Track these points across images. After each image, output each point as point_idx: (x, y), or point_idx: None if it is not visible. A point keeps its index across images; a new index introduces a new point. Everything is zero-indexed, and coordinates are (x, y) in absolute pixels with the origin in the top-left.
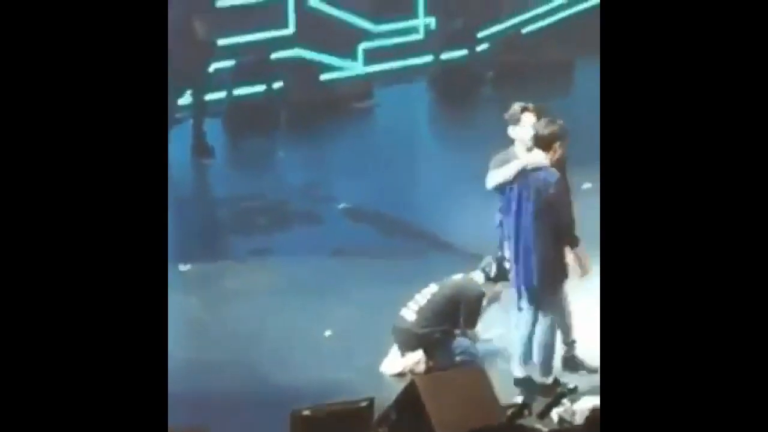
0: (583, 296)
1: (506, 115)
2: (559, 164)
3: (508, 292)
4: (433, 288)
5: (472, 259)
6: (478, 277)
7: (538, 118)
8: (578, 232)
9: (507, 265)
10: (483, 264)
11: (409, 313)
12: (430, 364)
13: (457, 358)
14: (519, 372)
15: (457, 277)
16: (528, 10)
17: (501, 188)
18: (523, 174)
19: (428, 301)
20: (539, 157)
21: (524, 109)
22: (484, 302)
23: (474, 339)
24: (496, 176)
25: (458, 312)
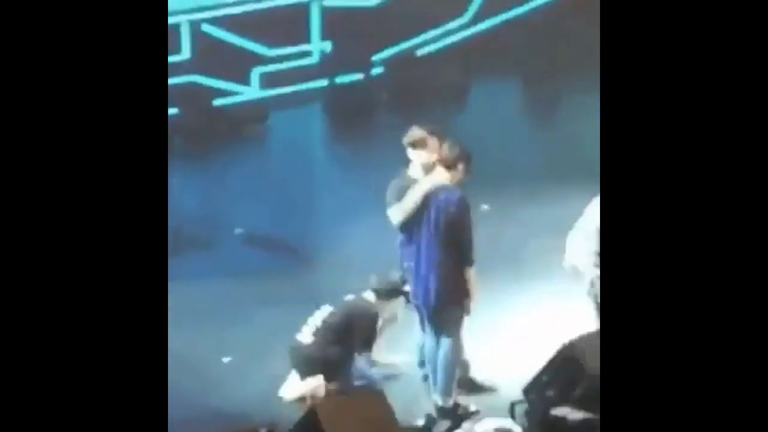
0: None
1: (406, 138)
2: (460, 186)
3: (405, 313)
4: (327, 309)
5: (368, 279)
6: (369, 296)
7: (441, 141)
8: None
9: (405, 285)
10: (373, 283)
11: (306, 336)
12: (330, 387)
13: (357, 382)
14: (440, 400)
15: (350, 297)
16: (423, 32)
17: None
18: (425, 195)
19: (323, 322)
20: (442, 177)
21: (429, 132)
22: (379, 323)
23: (371, 361)
24: (401, 209)
25: (353, 333)
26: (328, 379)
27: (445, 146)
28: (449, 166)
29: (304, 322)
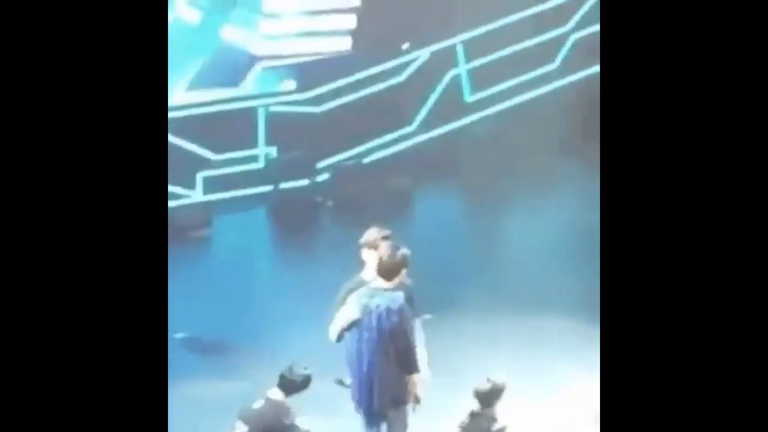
0: None
1: (361, 240)
2: (401, 288)
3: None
4: (242, 427)
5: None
6: (276, 394)
7: (390, 245)
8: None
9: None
10: (279, 379)
11: None
12: None
13: None
14: None
15: (258, 404)
16: (369, 140)
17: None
18: (368, 301)
19: None
20: (382, 285)
21: (384, 237)
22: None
23: None
24: (336, 326)
25: None
26: None
27: (385, 253)
28: (389, 273)
29: None
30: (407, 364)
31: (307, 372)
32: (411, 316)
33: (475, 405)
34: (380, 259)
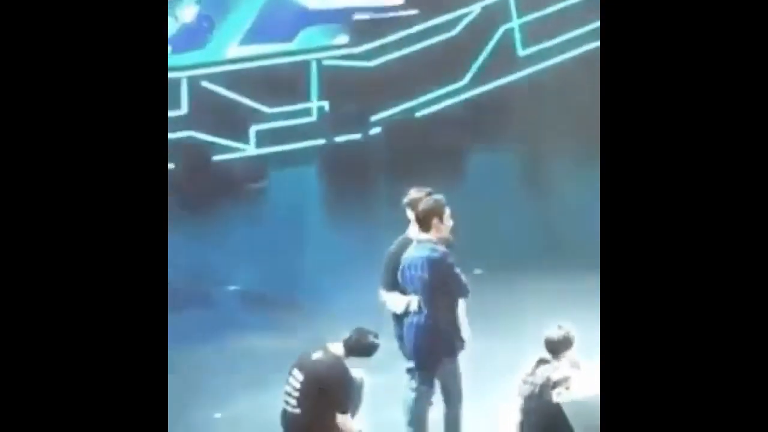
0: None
1: (405, 200)
2: (444, 239)
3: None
4: (298, 375)
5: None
6: (337, 349)
7: None
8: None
9: (376, 343)
10: (347, 338)
11: (292, 406)
12: None
13: None
14: None
15: (317, 355)
16: (421, 94)
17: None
18: (410, 254)
19: (299, 391)
20: (422, 237)
21: (425, 195)
22: (358, 382)
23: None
24: (390, 306)
25: (330, 396)
26: None
27: (418, 202)
28: (425, 222)
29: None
30: (458, 293)
31: (376, 341)
32: (452, 261)
33: (544, 353)
34: (415, 210)
